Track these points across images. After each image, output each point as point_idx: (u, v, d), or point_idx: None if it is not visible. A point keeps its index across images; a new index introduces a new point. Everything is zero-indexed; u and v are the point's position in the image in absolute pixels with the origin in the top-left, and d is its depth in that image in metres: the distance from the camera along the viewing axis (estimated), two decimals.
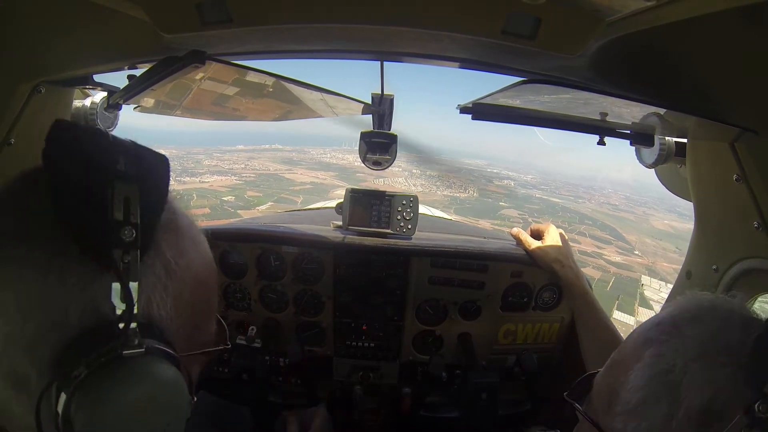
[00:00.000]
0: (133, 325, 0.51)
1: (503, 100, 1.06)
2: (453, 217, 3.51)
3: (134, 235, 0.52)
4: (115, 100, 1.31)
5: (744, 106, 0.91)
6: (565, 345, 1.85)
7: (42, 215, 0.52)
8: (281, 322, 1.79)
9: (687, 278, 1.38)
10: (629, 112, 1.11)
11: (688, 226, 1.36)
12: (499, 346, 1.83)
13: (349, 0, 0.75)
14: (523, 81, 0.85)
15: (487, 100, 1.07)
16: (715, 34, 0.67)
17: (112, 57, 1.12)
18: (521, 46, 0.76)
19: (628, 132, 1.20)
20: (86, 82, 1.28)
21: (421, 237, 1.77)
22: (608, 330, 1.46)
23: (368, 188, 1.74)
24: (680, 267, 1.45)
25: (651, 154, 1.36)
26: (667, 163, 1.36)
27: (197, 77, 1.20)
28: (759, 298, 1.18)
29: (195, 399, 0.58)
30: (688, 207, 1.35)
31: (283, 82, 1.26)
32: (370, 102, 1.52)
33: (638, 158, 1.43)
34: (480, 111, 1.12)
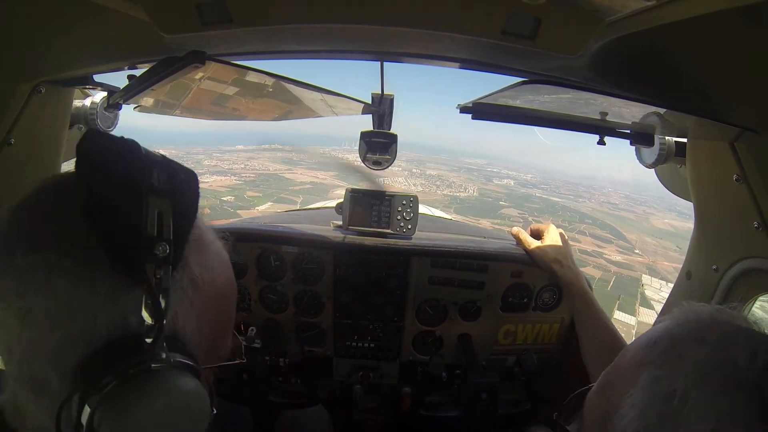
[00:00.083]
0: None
1: (503, 100, 1.06)
2: (453, 217, 3.51)
3: (167, 251, 0.52)
4: (115, 100, 1.31)
5: (744, 106, 0.91)
6: (565, 345, 1.85)
7: (73, 224, 0.52)
8: (281, 323, 1.79)
9: (687, 278, 1.38)
10: (629, 112, 1.11)
11: (689, 224, 1.36)
12: (499, 347, 1.83)
13: (349, 0, 0.75)
14: (523, 81, 0.85)
15: (487, 100, 1.07)
16: (715, 34, 0.67)
17: (112, 57, 1.12)
18: (521, 46, 0.76)
19: (628, 132, 1.20)
20: (86, 82, 1.28)
21: (421, 237, 1.77)
22: (608, 331, 1.46)
23: (368, 188, 1.74)
24: (681, 266, 1.45)
25: (651, 153, 1.36)
26: (667, 163, 1.36)
27: (197, 77, 1.20)
28: (759, 298, 1.18)
29: (215, 411, 0.59)
30: (688, 206, 1.35)
31: (283, 83, 1.26)
32: (370, 102, 1.52)
33: (638, 158, 1.43)
34: (480, 111, 1.12)
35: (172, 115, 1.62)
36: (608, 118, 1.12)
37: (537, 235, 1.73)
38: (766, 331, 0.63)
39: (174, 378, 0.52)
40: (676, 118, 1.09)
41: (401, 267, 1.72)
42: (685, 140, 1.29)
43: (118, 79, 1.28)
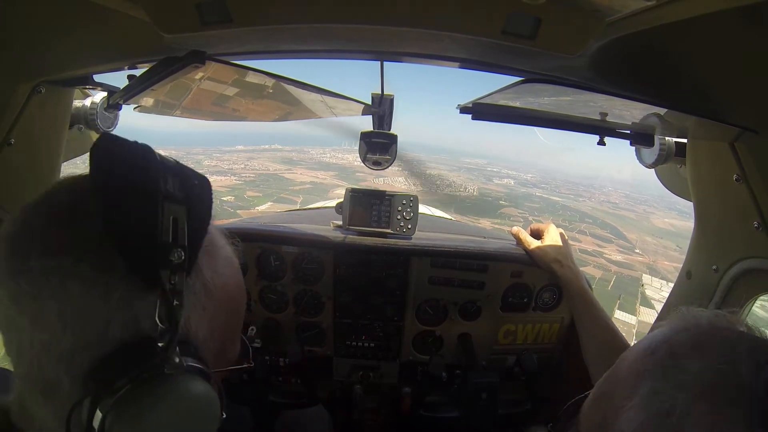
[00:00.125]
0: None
1: (503, 100, 1.06)
2: (453, 217, 3.51)
3: (183, 257, 0.53)
4: (115, 100, 1.31)
5: (744, 106, 0.91)
6: (565, 345, 1.85)
7: (88, 229, 0.52)
8: (281, 323, 1.79)
9: (687, 278, 1.38)
10: (629, 112, 1.11)
11: (689, 224, 1.36)
12: (499, 347, 1.83)
13: (349, 0, 0.75)
14: (523, 81, 0.85)
15: (487, 100, 1.07)
16: (715, 34, 0.67)
17: (112, 57, 1.12)
18: (521, 46, 0.76)
19: (628, 132, 1.20)
20: (86, 82, 1.28)
21: (421, 237, 1.77)
22: (608, 330, 1.46)
23: (368, 188, 1.74)
24: (681, 265, 1.45)
25: (651, 154, 1.36)
26: (667, 163, 1.36)
27: (197, 77, 1.20)
28: (759, 298, 1.18)
29: (224, 415, 0.59)
30: (688, 205, 1.35)
31: (282, 83, 1.26)
32: (370, 102, 1.52)
33: (638, 158, 1.43)
34: (480, 111, 1.12)
35: (172, 115, 1.62)
36: (608, 118, 1.12)
37: (537, 234, 1.73)
38: (766, 333, 0.61)
39: (186, 382, 0.53)
40: (676, 118, 1.09)
41: (401, 267, 1.72)
42: (685, 140, 1.29)
43: (118, 79, 1.29)
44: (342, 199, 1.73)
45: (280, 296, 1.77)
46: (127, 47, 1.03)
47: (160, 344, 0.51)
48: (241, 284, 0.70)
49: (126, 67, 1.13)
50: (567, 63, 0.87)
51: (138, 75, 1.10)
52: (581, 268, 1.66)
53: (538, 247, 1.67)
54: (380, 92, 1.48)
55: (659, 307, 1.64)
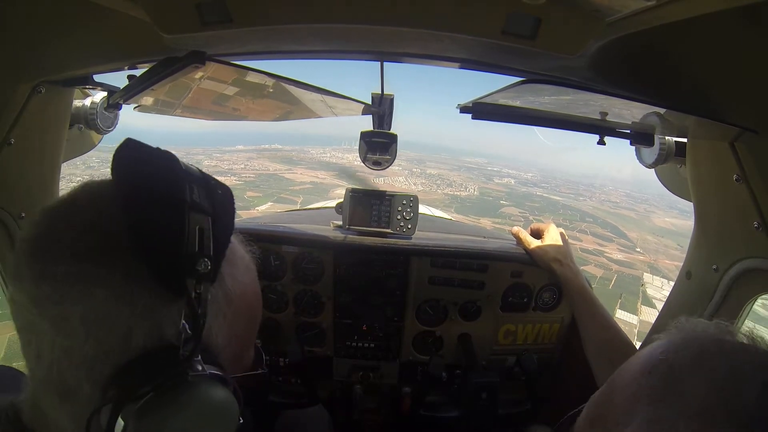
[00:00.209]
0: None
1: (503, 100, 1.06)
2: (453, 217, 3.51)
3: (209, 267, 0.53)
4: (115, 100, 1.31)
5: (744, 106, 0.91)
6: (565, 345, 1.85)
7: (113, 236, 0.52)
8: (281, 323, 1.80)
9: (687, 278, 1.38)
10: (629, 112, 1.11)
11: (690, 222, 1.36)
12: (499, 347, 1.83)
13: (349, 0, 0.75)
14: (522, 80, 0.85)
15: (487, 100, 1.07)
16: (715, 34, 0.67)
17: (112, 57, 1.12)
18: (521, 46, 0.76)
19: (628, 132, 1.20)
20: (86, 82, 1.28)
21: (421, 237, 1.77)
22: (609, 328, 1.46)
23: (368, 188, 1.74)
24: (682, 264, 1.45)
25: (651, 153, 1.36)
26: (667, 162, 1.36)
27: (197, 77, 1.20)
28: (759, 298, 1.18)
29: (242, 420, 0.59)
30: (689, 204, 1.35)
31: (283, 83, 1.26)
32: (370, 102, 1.52)
33: (638, 158, 1.43)
34: (480, 110, 1.12)
35: (172, 115, 1.62)
36: (608, 118, 1.12)
37: (537, 234, 1.73)
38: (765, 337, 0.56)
39: (209, 389, 0.53)
40: (676, 118, 1.09)
41: (401, 267, 1.72)
42: (685, 140, 1.29)
43: (118, 79, 1.29)
44: (342, 199, 1.73)
45: (280, 296, 1.77)
46: (127, 47, 1.03)
47: (182, 352, 0.52)
48: (258, 292, 0.70)
49: (126, 67, 1.13)
50: (567, 63, 0.87)
51: (138, 75, 1.10)
52: (582, 267, 1.66)
53: (539, 247, 1.67)
54: (380, 92, 1.49)
55: (660, 306, 1.64)
